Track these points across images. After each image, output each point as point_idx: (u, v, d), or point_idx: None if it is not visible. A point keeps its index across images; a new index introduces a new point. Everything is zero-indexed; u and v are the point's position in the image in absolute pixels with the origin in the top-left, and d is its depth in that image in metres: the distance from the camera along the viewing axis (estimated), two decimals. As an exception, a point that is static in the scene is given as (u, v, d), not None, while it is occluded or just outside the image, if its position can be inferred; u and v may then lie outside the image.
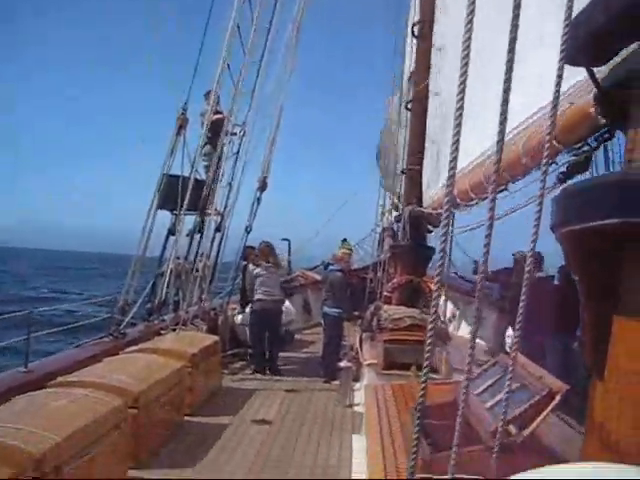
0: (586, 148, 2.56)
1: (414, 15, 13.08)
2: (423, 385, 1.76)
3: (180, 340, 8.80)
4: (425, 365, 1.80)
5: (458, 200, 6.65)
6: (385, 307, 10.86)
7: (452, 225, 10.36)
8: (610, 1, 1.47)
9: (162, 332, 9.59)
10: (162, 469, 5.98)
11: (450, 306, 13.74)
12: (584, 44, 1.62)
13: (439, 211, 7.86)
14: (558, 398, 3.98)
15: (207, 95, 11.79)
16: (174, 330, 9.68)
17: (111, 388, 5.68)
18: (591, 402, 1.60)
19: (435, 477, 3.43)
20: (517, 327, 1.94)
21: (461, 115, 1.67)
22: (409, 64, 13.44)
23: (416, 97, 11.49)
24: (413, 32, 12.40)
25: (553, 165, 4.00)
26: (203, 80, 11.69)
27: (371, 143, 19.20)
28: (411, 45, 13.05)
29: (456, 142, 1.70)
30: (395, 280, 11.65)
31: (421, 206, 10.75)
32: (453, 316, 13.82)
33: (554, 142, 3.37)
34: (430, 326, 1.77)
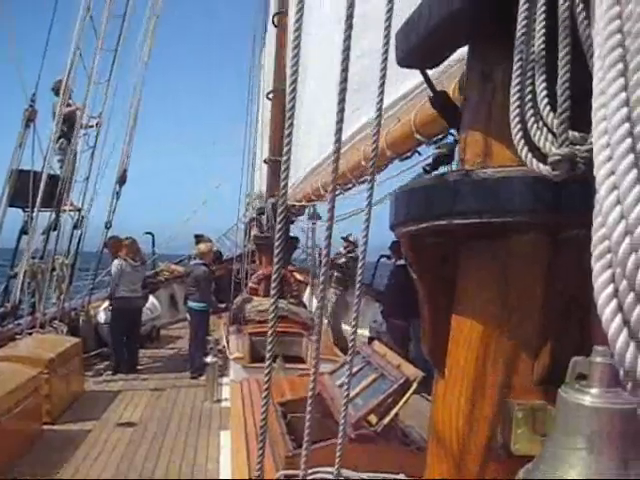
0: (451, 140, 2.62)
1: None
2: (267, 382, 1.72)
3: (36, 345, 8.39)
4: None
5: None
6: (252, 298, 10.89)
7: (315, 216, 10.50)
8: (439, 5, 1.48)
9: (17, 337, 9.10)
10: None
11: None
12: (416, 46, 1.63)
13: (301, 203, 7.89)
14: (414, 386, 4.09)
15: (56, 86, 11.25)
16: (30, 334, 9.23)
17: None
18: (434, 398, 1.63)
19: (295, 472, 3.45)
20: (354, 314, 1.95)
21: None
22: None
23: (277, 87, 11.50)
24: (273, 21, 12.41)
25: (418, 156, 4.11)
26: (53, 70, 11.19)
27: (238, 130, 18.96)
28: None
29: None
30: (260, 272, 11.67)
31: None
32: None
33: (416, 135, 3.44)
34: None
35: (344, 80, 1.68)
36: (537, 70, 1.16)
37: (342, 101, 1.68)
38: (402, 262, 9.33)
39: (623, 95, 0.79)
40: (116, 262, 10.85)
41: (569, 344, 1.31)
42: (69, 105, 11.24)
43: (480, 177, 1.33)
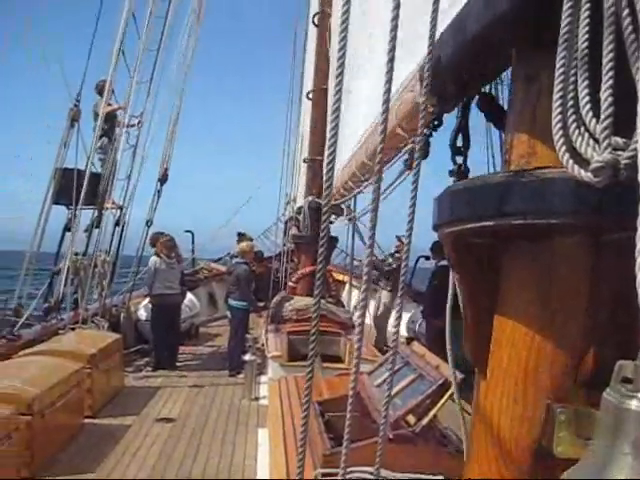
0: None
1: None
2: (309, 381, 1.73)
3: (79, 340, 8.53)
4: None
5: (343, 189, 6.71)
6: (291, 297, 10.92)
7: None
8: (484, 9, 1.48)
9: (60, 332, 9.25)
10: (61, 475, 5.79)
11: (356, 294, 13.90)
12: (461, 51, 1.64)
13: (337, 202, 7.88)
14: (453, 387, 4.07)
15: (99, 86, 11.42)
16: (73, 329, 9.39)
17: (1, 396, 5.45)
18: (476, 398, 1.63)
19: (333, 471, 3.45)
20: (396, 315, 1.95)
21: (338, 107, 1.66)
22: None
23: (318, 87, 11.49)
24: (314, 21, 12.41)
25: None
26: (98, 70, 11.36)
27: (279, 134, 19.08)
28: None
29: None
30: (299, 271, 11.69)
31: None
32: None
33: (399, 130, 3.43)
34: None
35: (389, 81, 1.68)
36: (580, 75, 1.15)
37: (386, 102, 1.69)
38: (444, 263, 9.28)
39: None
40: (151, 260, 10.99)
41: (614, 347, 1.29)
42: (110, 104, 11.40)
43: (524, 179, 1.33)
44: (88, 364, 7.46)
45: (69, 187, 9.98)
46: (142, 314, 11.81)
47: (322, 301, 7.91)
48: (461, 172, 1.92)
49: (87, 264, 10.63)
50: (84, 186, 10.02)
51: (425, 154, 2.00)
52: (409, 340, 10.26)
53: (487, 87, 1.92)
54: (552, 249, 1.36)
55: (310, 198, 11.16)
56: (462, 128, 1.96)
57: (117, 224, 11.60)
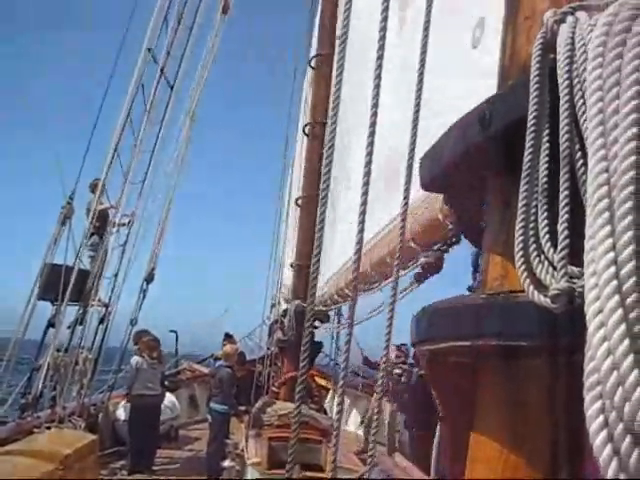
0: (440, 247, 2.70)
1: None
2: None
3: (54, 440, 8.32)
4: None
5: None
6: (273, 402, 10.76)
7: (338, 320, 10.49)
8: (464, 135, 1.59)
9: (36, 430, 9.03)
10: None
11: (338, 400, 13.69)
12: (438, 175, 1.74)
13: (323, 308, 7.93)
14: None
15: (92, 185, 11.63)
16: (49, 428, 9.17)
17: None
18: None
19: None
20: (374, 424, 1.96)
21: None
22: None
23: (306, 193, 11.74)
24: (304, 131, 12.82)
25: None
26: (93, 170, 11.59)
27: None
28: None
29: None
30: (282, 375, 11.57)
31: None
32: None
33: (412, 244, 3.54)
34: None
35: (366, 183, 1.77)
36: (540, 207, 1.24)
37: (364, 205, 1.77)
38: (422, 372, 9.25)
39: (610, 241, 0.86)
40: (133, 359, 10.90)
41: (583, 465, 1.32)
42: (102, 203, 11.57)
43: (497, 301, 1.40)
44: (61, 465, 7.24)
45: (56, 283, 9.98)
46: (120, 414, 11.58)
47: (304, 407, 7.87)
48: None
49: (68, 361, 10.50)
50: (71, 283, 10.03)
51: (438, 269, 2.06)
52: (392, 451, 10.08)
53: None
54: (522, 369, 1.42)
55: (296, 302, 11.19)
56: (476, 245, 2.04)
57: (101, 322, 11.53)
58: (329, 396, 13.25)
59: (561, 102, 1.23)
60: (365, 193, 1.77)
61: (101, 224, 11.41)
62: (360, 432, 13.02)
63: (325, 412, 11.44)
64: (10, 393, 9.83)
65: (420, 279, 2.76)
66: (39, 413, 9.90)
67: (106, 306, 11.65)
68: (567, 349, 1.32)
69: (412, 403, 10.49)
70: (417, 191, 2.28)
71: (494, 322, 1.39)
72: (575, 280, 1.14)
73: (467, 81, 2.52)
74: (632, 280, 0.82)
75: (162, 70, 11.45)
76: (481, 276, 1.65)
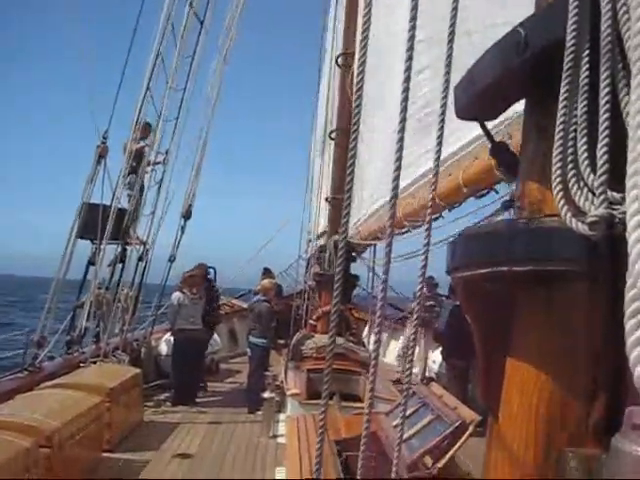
0: None
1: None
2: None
3: (99, 373, 8.57)
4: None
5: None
6: (311, 335, 10.91)
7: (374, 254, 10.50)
8: (499, 59, 1.53)
9: (82, 365, 9.29)
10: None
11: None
12: (474, 100, 1.68)
13: (363, 242, 7.94)
14: (471, 429, 4.05)
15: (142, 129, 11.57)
16: (94, 363, 9.44)
17: (21, 427, 5.47)
18: (488, 442, 1.63)
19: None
20: (409, 353, 1.98)
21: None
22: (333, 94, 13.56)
23: (340, 127, 11.64)
24: (337, 62, 12.62)
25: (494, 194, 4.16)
26: (126, 108, 11.57)
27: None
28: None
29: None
30: (320, 309, 11.69)
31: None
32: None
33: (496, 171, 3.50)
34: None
35: (403, 119, 1.73)
36: (579, 132, 1.20)
37: (400, 148, 1.73)
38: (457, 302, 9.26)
39: None
40: (174, 295, 11.07)
41: (626, 394, 1.30)
42: (138, 142, 11.59)
43: (534, 226, 1.36)
44: (108, 398, 7.48)
45: (94, 222, 10.11)
46: (163, 349, 11.86)
47: (341, 340, 7.97)
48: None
49: (110, 298, 10.73)
50: (109, 221, 10.16)
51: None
52: (428, 380, 10.18)
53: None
54: (562, 295, 1.39)
55: (335, 237, 11.21)
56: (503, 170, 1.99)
57: (140, 259, 11.70)
58: (367, 329, 13.35)
59: (602, 21, 1.17)
60: (401, 140, 1.72)
61: (138, 163, 11.46)
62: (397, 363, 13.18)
63: (363, 344, 11.57)
64: (55, 332, 10.07)
65: (508, 206, 2.73)
66: (84, 349, 10.18)
67: (144, 243, 11.79)
68: (606, 275, 1.29)
69: (447, 333, 10.56)
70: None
71: (529, 247, 1.36)
72: (616, 206, 1.10)
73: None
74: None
75: (191, 5, 11.28)
76: (517, 202, 1.61)
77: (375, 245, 9.24)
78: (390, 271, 1.90)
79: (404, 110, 1.69)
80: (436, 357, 11.74)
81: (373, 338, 11.10)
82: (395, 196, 1.75)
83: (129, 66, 10.82)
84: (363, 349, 10.67)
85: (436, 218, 5.42)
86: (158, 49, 10.72)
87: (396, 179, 1.73)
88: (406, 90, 1.68)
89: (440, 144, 1.84)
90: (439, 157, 1.87)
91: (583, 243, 1.25)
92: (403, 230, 6.50)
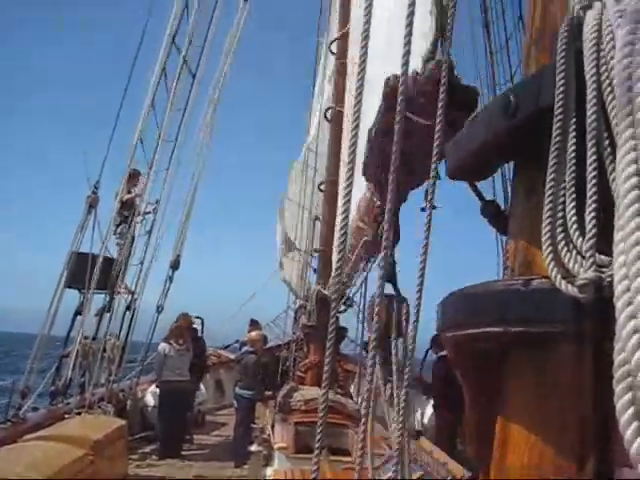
0: None
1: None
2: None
3: (84, 425, 8.43)
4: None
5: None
6: (299, 387, 10.81)
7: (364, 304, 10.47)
8: (489, 123, 1.58)
9: (66, 416, 9.16)
10: None
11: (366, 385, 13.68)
12: (464, 162, 1.73)
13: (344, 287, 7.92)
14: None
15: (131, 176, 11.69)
16: (79, 414, 9.31)
17: (4, 481, 5.37)
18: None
19: None
20: (400, 406, 1.98)
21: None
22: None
23: (328, 180, 11.74)
24: (326, 115, 12.78)
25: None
26: (117, 158, 11.68)
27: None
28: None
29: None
30: (307, 360, 11.62)
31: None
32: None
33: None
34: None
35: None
36: (568, 197, 1.24)
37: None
38: (443, 353, 9.30)
39: (638, 234, 0.86)
40: (161, 346, 11.03)
41: (615, 455, 1.31)
42: (129, 192, 11.68)
43: (524, 287, 1.39)
44: (91, 450, 7.34)
45: (83, 271, 10.10)
46: (149, 400, 11.72)
47: (330, 392, 7.85)
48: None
49: (96, 348, 10.65)
50: (97, 270, 10.15)
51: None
52: (417, 435, 10.11)
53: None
54: (550, 356, 1.41)
55: (318, 287, 11.22)
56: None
57: (128, 309, 11.66)
58: (355, 381, 13.26)
59: (588, 91, 1.22)
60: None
61: (129, 212, 11.52)
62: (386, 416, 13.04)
63: (351, 397, 11.46)
64: (41, 381, 9.97)
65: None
66: (69, 400, 10.06)
67: (132, 293, 11.76)
68: (595, 337, 1.32)
69: (435, 385, 10.52)
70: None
71: (520, 308, 1.39)
72: (604, 269, 1.14)
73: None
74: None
75: (184, 59, 11.48)
76: (507, 262, 1.64)
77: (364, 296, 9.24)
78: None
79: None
80: (426, 410, 11.67)
81: (364, 391, 11.01)
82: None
83: (121, 113, 10.98)
84: (351, 402, 10.57)
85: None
86: (151, 101, 10.87)
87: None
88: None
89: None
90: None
91: (573, 305, 1.28)
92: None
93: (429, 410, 11.23)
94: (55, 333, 10.06)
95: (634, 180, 0.92)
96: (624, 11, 1.11)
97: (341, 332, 11.46)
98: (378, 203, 2.11)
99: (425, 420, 11.52)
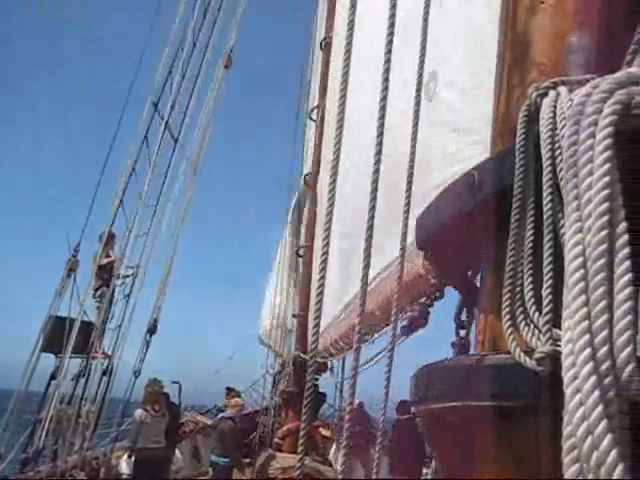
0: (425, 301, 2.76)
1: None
2: None
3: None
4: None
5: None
6: (277, 455, 10.64)
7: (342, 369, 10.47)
8: (457, 199, 1.66)
9: (35, 485, 8.95)
10: None
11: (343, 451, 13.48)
12: (436, 235, 1.80)
13: (320, 360, 7.93)
14: None
15: (102, 237, 11.75)
16: (49, 484, 9.08)
17: None
18: None
19: None
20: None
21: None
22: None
23: (308, 243, 11.80)
24: (305, 180, 12.94)
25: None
26: (96, 222, 11.71)
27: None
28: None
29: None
30: (285, 427, 11.47)
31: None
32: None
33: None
34: None
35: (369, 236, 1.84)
36: (525, 273, 1.31)
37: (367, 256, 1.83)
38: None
39: (584, 310, 0.92)
40: (137, 412, 10.83)
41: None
42: (108, 256, 11.67)
43: (491, 363, 1.44)
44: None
45: (60, 335, 10.00)
46: (124, 468, 11.44)
47: (308, 459, 7.78)
48: (462, 345, 2.04)
49: (70, 414, 10.44)
50: (74, 334, 10.05)
51: (424, 323, 2.13)
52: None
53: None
54: (516, 427, 1.45)
55: (294, 353, 11.15)
56: (466, 303, 2.09)
57: (104, 374, 11.49)
58: (333, 447, 13.06)
59: (544, 174, 1.31)
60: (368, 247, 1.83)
61: (109, 276, 11.49)
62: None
63: (330, 464, 11.29)
64: (12, 447, 9.75)
65: (407, 333, 2.84)
66: (40, 467, 9.80)
67: (109, 357, 11.62)
68: (553, 408, 1.37)
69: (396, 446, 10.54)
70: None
71: (488, 384, 1.44)
72: (560, 342, 1.19)
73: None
74: (605, 348, 0.87)
75: (167, 123, 11.63)
76: (478, 336, 1.70)
77: (344, 359, 9.25)
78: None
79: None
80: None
81: (340, 458, 10.92)
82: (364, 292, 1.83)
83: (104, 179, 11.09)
84: (330, 469, 10.41)
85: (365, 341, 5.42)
86: (132, 167, 10.98)
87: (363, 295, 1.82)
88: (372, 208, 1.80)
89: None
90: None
91: (534, 379, 1.33)
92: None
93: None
94: (32, 388, 9.92)
95: (578, 261, 0.99)
96: (574, 99, 1.20)
97: (320, 397, 11.37)
98: (432, 281, 2.15)
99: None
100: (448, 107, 2.60)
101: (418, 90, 2.07)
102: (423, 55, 2.06)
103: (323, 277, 1.87)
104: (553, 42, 1.62)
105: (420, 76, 2.09)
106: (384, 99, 1.84)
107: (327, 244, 1.90)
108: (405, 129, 2.08)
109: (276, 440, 11.53)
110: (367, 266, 1.81)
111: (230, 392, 14.53)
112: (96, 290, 11.51)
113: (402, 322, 3.71)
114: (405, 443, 9.95)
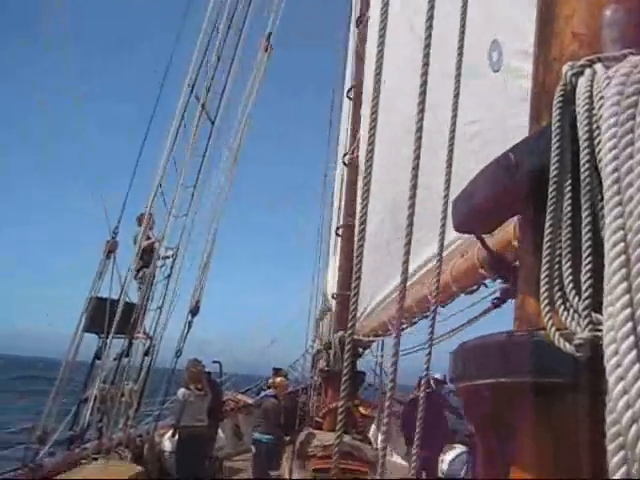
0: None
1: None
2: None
3: (99, 472, 8.42)
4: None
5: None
6: (317, 433, 10.73)
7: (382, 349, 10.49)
8: (492, 180, 1.63)
9: (83, 462, 9.13)
10: None
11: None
12: (471, 215, 1.77)
13: (367, 339, 7.94)
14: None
15: (139, 219, 11.90)
16: (95, 459, 9.26)
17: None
18: None
19: None
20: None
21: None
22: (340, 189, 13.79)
23: (346, 223, 11.81)
24: (344, 161, 12.91)
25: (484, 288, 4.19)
26: (137, 203, 11.84)
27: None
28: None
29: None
30: (326, 405, 11.55)
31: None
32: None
33: (480, 270, 3.56)
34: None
35: (411, 214, 1.81)
36: (564, 257, 1.27)
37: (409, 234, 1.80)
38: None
39: (627, 297, 0.89)
40: (180, 391, 10.97)
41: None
42: (149, 238, 11.80)
43: (530, 339, 1.42)
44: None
45: (102, 316, 10.16)
46: (167, 446, 11.62)
47: (348, 438, 7.83)
48: None
49: (114, 393, 10.64)
50: (117, 315, 10.22)
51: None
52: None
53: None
54: (558, 408, 1.43)
55: (340, 333, 11.19)
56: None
57: (146, 354, 11.66)
58: (373, 426, 13.12)
59: (581, 156, 1.26)
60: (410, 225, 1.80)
61: (150, 257, 11.64)
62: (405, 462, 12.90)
63: (370, 442, 11.35)
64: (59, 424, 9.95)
65: (499, 304, 2.82)
66: (86, 444, 10.01)
67: (151, 338, 11.78)
68: (593, 390, 1.34)
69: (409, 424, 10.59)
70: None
71: (525, 359, 1.41)
72: (600, 327, 1.16)
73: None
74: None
75: (203, 106, 11.67)
76: (516, 313, 1.67)
77: (382, 340, 9.25)
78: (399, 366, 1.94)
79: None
80: (445, 457, 11.53)
81: (380, 436, 10.96)
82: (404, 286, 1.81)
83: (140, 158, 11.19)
84: (369, 447, 10.46)
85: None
86: (171, 149, 11.05)
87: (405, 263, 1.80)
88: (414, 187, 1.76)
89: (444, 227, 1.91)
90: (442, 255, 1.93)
91: (574, 358, 1.30)
92: (414, 319, 6.49)
93: (448, 457, 11.10)
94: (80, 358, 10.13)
95: (619, 247, 0.95)
96: (612, 78, 1.15)
97: (359, 376, 11.41)
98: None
99: (445, 466, 11.35)
100: (519, 75, 2.52)
101: (458, 69, 2.04)
102: (463, 26, 2.02)
103: (360, 255, 1.85)
104: (592, 10, 1.57)
105: (460, 54, 2.04)
106: (425, 73, 1.81)
107: (364, 221, 1.87)
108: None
109: (316, 419, 11.64)
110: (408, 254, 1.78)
111: (277, 372, 14.70)
112: (137, 271, 11.65)
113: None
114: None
